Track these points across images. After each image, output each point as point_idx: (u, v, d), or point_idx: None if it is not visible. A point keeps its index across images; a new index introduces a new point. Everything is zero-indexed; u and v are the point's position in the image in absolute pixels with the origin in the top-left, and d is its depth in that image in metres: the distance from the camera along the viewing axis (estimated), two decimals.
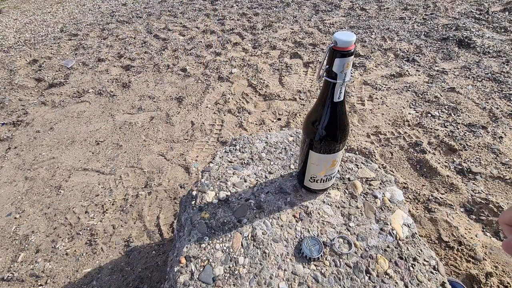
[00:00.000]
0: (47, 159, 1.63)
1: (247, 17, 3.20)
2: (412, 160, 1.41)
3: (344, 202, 0.65)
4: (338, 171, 0.72)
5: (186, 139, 1.68)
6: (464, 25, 2.49)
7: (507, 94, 1.72)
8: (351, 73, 2.05)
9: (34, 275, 1.08)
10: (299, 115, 1.75)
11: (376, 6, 3.18)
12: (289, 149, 0.79)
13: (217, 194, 0.67)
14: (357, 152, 1.47)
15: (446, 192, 1.25)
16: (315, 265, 0.54)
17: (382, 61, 2.19)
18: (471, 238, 1.07)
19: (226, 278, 0.53)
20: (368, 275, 0.52)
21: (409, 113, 1.69)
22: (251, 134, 0.87)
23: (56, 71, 2.45)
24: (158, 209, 1.30)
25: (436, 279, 0.52)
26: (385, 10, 3.06)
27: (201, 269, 0.54)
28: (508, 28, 2.36)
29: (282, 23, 2.97)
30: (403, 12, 2.96)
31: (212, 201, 0.66)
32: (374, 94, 1.87)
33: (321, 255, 0.55)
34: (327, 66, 0.45)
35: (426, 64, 2.10)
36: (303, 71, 2.18)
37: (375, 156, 1.44)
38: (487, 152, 1.40)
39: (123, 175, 1.48)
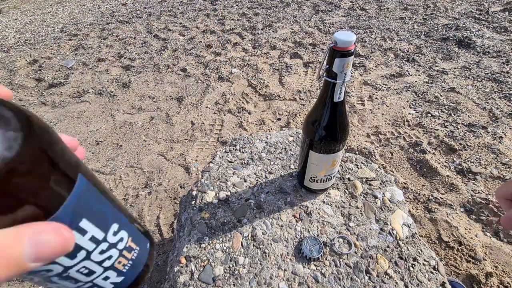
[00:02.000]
0: None
1: (247, 17, 3.20)
2: (412, 160, 1.41)
3: (344, 202, 0.65)
4: (338, 171, 0.72)
5: (186, 139, 1.68)
6: (464, 25, 2.49)
7: (507, 94, 1.72)
8: (351, 73, 2.05)
9: None
10: (299, 115, 1.75)
11: (376, 6, 3.18)
12: (289, 149, 0.79)
13: (217, 194, 0.67)
14: (357, 152, 1.47)
15: (446, 192, 1.25)
16: (315, 265, 0.54)
17: (382, 61, 2.19)
18: (471, 238, 1.07)
19: (226, 278, 0.53)
20: (368, 275, 0.52)
21: (409, 113, 1.69)
22: (251, 134, 0.87)
23: (56, 71, 2.45)
24: (158, 209, 1.30)
25: (436, 279, 0.52)
26: (385, 10, 3.06)
27: (201, 269, 0.54)
28: (508, 28, 2.36)
29: (282, 23, 2.97)
30: (403, 12, 2.96)
31: (212, 201, 0.66)
32: (374, 94, 1.87)
33: (321, 255, 0.55)
34: (327, 66, 0.45)
35: (426, 64, 2.10)
36: (303, 71, 2.18)
37: (375, 156, 1.44)
38: (487, 152, 1.39)
39: (123, 175, 1.48)
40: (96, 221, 0.19)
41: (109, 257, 0.21)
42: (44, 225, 0.14)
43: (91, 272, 0.20)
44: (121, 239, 0.22)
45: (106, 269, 0.21)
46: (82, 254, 0.19)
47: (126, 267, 0.22)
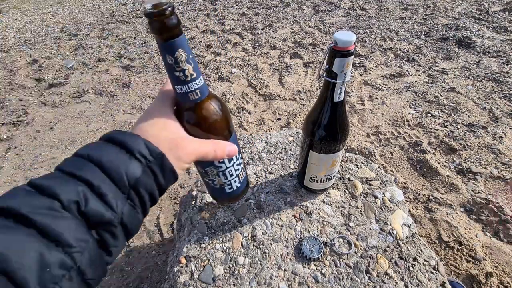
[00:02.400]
0: (47, 159, 1.63)
1: (247, 17, 3.20)
2: (412, 160, 1.41)
3: (344, 202, 0.65)
4: (338, 171, 0.72)
5: None
6: (464, 25, 2.50)
7: (507, 94, 1.72)
8: (351, 73, 2.05)
9: None
10: (299, 115, 1.75)
11: (376, 6, 3.18)
12: (289, 149, 0.79)
13: None
14: (357, 152, 1.47)
15: (446, 192, 1.25)
16: (315, 265, 0.54)
17: (382, 61, 2.19)
18: (471, 238, 1.07)
19: (226, 278, 0.53)
20: (368, 275, 0.52)
21: (409, 113, 1.69)
22: (251, 134, 0.87)
23: (56, 71, 2.45)
24: (158, 209, 1.30)
25: (436, 279, 0.52)
26: (385, 10, 3.06)
27: (201, 269, 0.54)
28: (508, 28, 2.36)
29: (282, 23, 2.97)
30: (403, 12, 2.96)
31: (212, 201, 0.66)
32: (374, 94, 1.87)
33: (321, 255, 0.55)
34: (327, 66, 0.45)
35: (426, 64, 2.10)
36: (303, 71, 2.18)
37: (375, 156, 1.44)
38: (487, 152, 1.40)
39: None
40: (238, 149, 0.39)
41: (238, 169, 0.42)
42: (229, 142, 0.36)
43: (231, 174, 0.42)
44: (242, 162, 0.44)
45: (236, 175, 0.43)
46: (232, 162, 0.40)
47: (241, 179, 0.44)
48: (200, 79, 0.33)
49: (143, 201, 0.27)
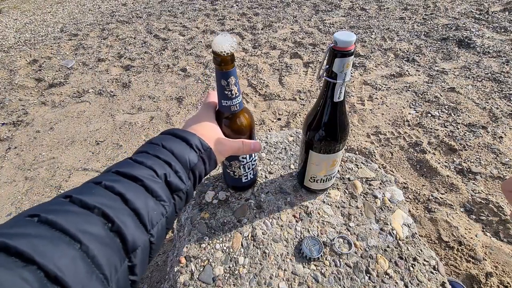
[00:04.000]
0: (47, 159, 1.63)
1: (247, 17, 3.20)
2: (412, 160, 1.41)
3: (344, 202, 0.65)
4: (338, 171, 0.72)
5: None
6: (464, 25, 2.50)
7: (507, 94, 1.72)
8: (351, 73, 2.05)
9: None
10: (299, 115, 1.75)
11: (376, 6, 3.18)
12: (289, 149, 0.79)
13: (217, 194, 0.67)
14: (357, 152, 1.47)
15: (446, 192, 1.25)
16: (315, 265, 0.54)
17: (382, 61, 2.19)
18: (471, 238, 1.07)
19: (226, 278, 0.53)
20: (368, 275, 0.52)
21: (409, 113, 1.69)
22: None
23: (56, 71, 2.45)
24: None
25: (436, 279, 0.52)
26: (385, 10, 3.06)
27: (201, 269, 0.54)
28: (508, 28, 2.36)
29: (282, 23, 2.97)
30: (403, 12, 2.96)
31: (212, 201, 0.66)
32: (374, 94, 1.87)
33: (321, 255, 0.55)
34: (327, 66, 0.45)
35: (426, 64, 2.10)
36: (303, 71, 2.18)
37: (375, 156, 1.44)
38: (487, 152, 1.40)
39: None
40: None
41: (254, 164, 0.59)
42: (253, 141, 0.47)
43: (249, 168, 0.58)
44: (256, 160, 0.59)
45: (252, 169, 0.59)
46: (250, 158, 0.56)
47: (254, 171, 0.61)
48: (240, 97, 0.45)
49: (196, 179, 0.37)
